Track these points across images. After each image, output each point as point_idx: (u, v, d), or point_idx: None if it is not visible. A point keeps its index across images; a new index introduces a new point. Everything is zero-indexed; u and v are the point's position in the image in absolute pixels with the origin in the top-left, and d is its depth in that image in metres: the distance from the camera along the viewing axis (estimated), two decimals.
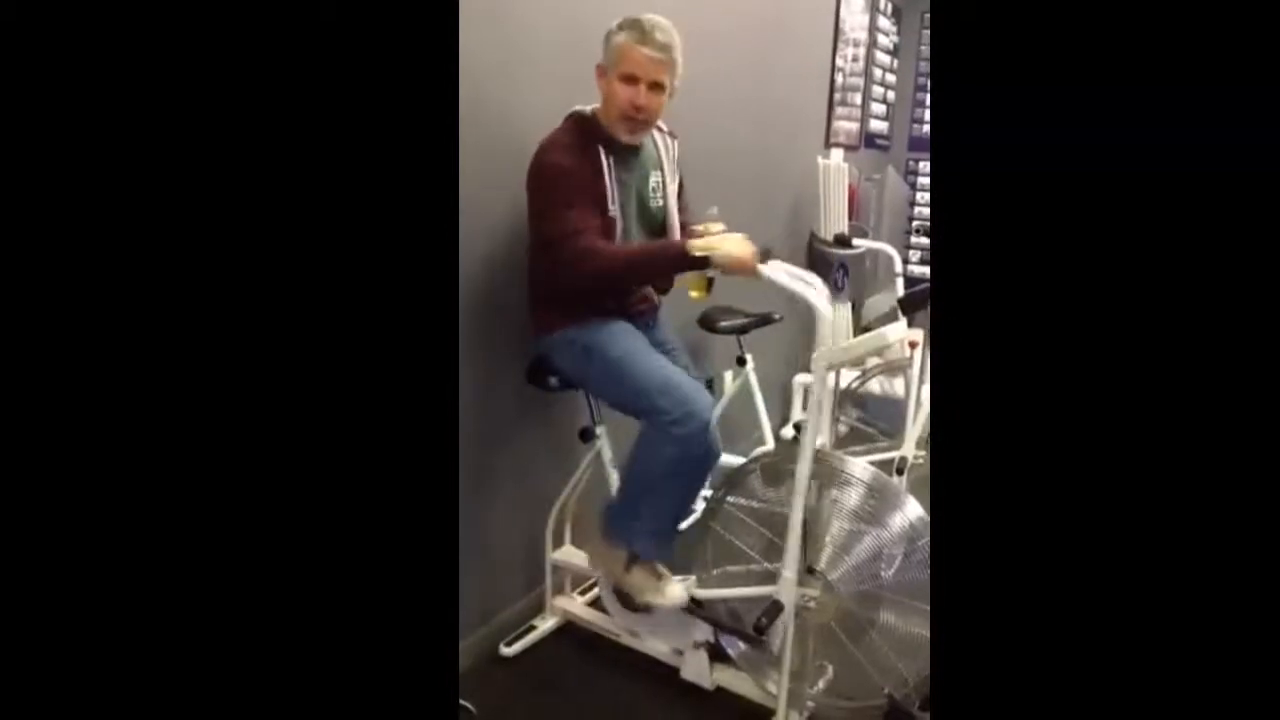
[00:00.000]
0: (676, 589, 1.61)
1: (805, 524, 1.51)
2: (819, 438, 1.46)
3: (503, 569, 1.93)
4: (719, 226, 1.55)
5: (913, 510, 1.53)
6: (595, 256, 1.51)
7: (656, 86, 1.54)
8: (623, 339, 1.61)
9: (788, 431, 3.18)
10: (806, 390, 3.27)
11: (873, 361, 2.70)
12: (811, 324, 1.40)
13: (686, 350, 1.87)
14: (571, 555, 1.93)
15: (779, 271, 1.46)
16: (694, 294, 1.60)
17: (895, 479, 1.84)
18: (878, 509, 1.55)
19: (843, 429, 2.73)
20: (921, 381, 2.27)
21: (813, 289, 1.45)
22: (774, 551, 1.58)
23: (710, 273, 1.51)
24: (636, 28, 1.51)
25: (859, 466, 1.59)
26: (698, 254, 1.43)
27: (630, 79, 1.53)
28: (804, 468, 1.45)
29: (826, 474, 1.58)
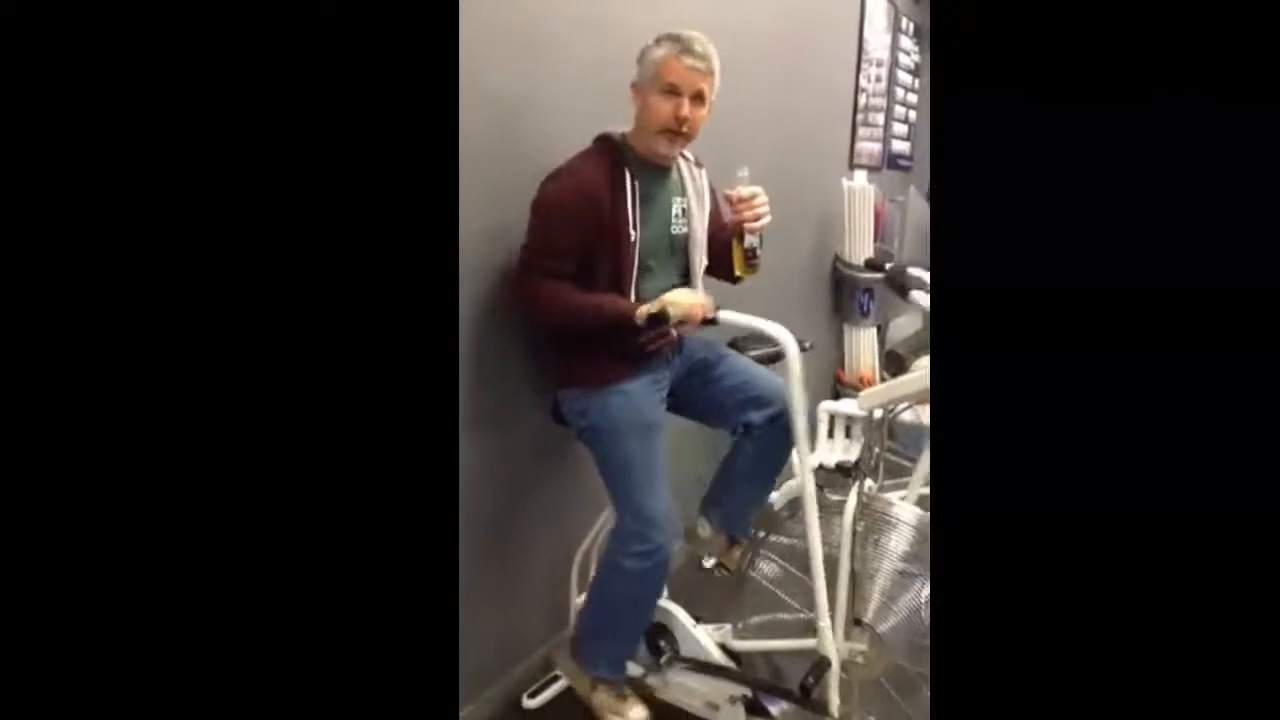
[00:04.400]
0: (637, 711, 1.64)
1: (852, 573, 1.42)
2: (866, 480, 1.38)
3: (525, 614, 1.84)
4: (751, 190, 1.54)
5: None
6: (538, 300, 1.52)
7: (698, 98, 1.50)
8: (624, 429, 1.54)
9: (816, 460, 3.09)
10: (832, 418, 3.19)
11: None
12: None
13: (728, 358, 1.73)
14: None
15: (736, 315, 1.47)
16: (738, 272, 1.61)
17: None
18: (926, 553, 1.46)
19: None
20: None
21: (781, 327, 1.44)
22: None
23: (751, 241, 1.55)
24: (675, 41, 1.48)
25: (906, 510, 1.50)
26: (648, 314, 1.41)
27: (672, 91, 1.48)
28: (849, 514, 1.36)
29: (871, 519, 1.49)
